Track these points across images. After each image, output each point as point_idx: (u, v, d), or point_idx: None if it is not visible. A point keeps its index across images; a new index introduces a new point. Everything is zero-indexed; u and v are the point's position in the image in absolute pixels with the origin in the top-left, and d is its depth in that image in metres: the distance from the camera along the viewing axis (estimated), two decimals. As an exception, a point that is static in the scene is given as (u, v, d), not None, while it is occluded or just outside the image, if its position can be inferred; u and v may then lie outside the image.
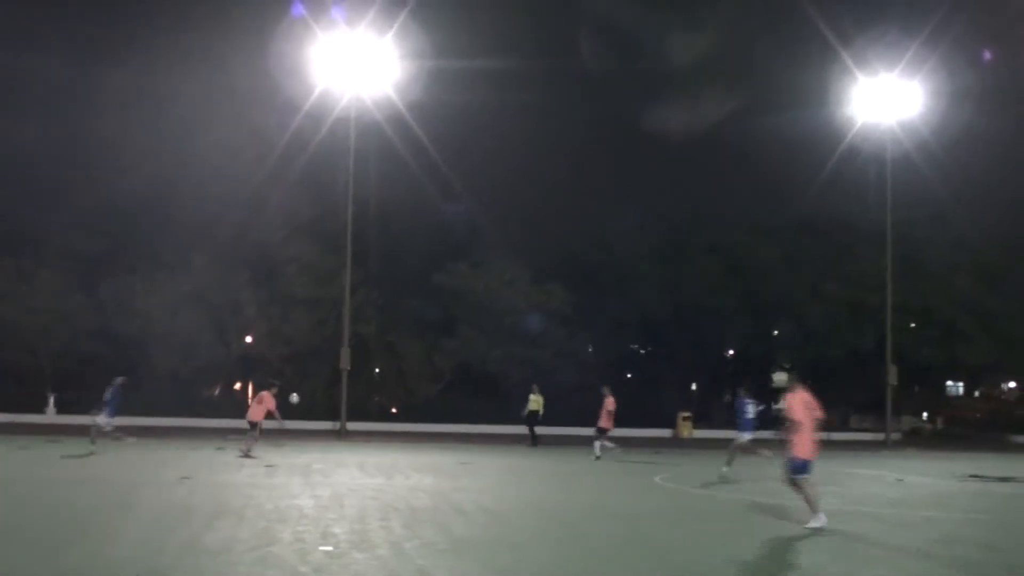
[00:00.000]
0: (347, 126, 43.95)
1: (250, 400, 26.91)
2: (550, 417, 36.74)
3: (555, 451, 32.06)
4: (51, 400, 50.79)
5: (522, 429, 36.47)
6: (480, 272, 57.59)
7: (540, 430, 35.64)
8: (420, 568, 8.74)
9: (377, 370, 59.51)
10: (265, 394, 25.91)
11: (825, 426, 13.29)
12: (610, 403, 27.87)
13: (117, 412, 25.44)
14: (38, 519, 11.74)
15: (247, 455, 24.14)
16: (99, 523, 11.40)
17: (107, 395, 25.31)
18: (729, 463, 22.08)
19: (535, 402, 35.06)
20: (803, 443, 12.69)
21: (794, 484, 12.80)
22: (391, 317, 57.75)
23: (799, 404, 12.86)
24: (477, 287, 57.00)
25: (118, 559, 8.77)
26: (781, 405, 13.35)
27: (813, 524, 12.46)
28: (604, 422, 27.86)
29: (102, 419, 24.83)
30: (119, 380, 25.86)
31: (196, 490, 15.51)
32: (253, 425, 25.36)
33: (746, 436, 23.17)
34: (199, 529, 10.87)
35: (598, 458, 26.96)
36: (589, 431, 29.61)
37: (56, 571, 8.13)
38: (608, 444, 27.68)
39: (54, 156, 56.35)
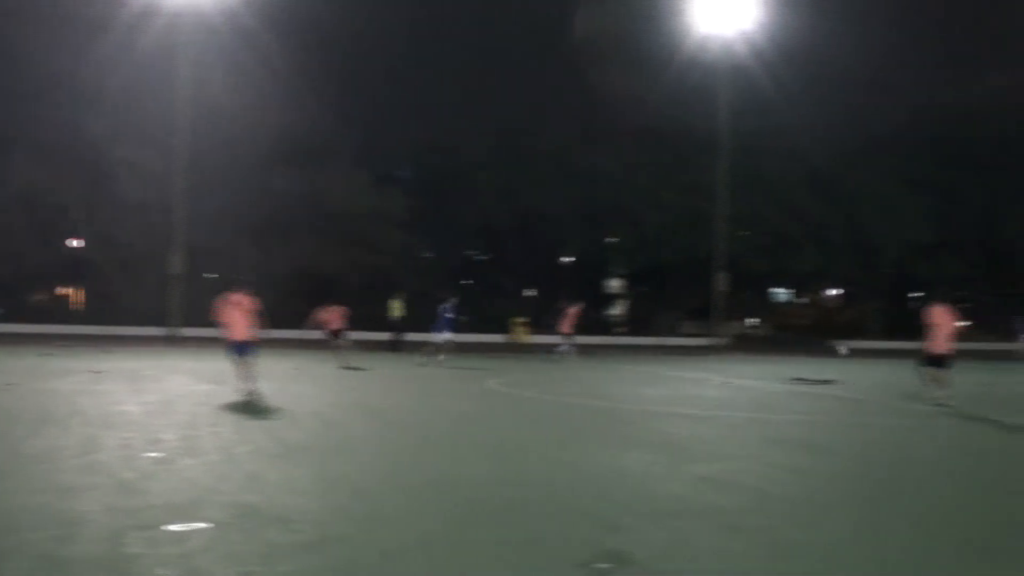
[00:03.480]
0: (184, 23, 42.48)
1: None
2: (385, 323, 37.51)
3: (393, 356, 32.20)
4: None
5: (357, 335, 37.05)
6: (317, 175, 56.78)
7: (373, 335, 36.76)
8: (250, 473, 8.69)
9: (210, 276, 58.44)
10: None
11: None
12: (571, 311, 32.62)
13: None
14: None
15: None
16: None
17: None
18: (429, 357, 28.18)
19: (395, 308, 35.99)
20: (233, 331, 16.30)
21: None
22: (226, 222, 56.59)
23: (228, 305, 16.45)
24: (314, 190, 56.25)
25: (-66, 468, 8.50)
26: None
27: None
28: (565, 327, 32.62)
29: None
30: None
31: (20, 397, 15.11)
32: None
33: (443, 336, 28.86)
34: (22, 436, 10.62)
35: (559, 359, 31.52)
36: (428, 336, 30.33)
37: None
38: (564, 348, 32.14)
39: None
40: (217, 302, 16.67)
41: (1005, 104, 63.03)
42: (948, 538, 7.06)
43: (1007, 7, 71.71)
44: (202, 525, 6.55)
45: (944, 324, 17.59)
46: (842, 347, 31.74)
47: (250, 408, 14.25)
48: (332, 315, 28.27)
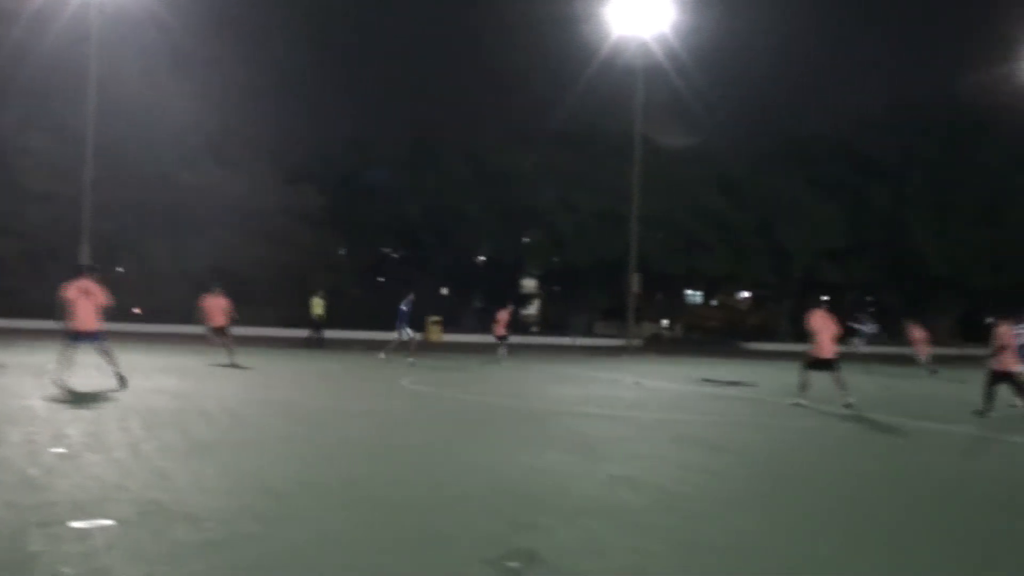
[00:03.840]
0: (94, 12, 41.73)
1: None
2: (303, 321, 37.87)
3: (305, 354, 31.96)
4: None
5: (271, 332, 37.39)
6: (230, 171, 56.11)
7: (286, 333, 36.90)
8: (158, 469, 8.55)
9: (120, 269, 57.42)
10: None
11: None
12: (502, 314, 33.57)
13: None
14: None
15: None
16: None
17: None
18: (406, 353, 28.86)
19: (316, 305, 36.33)
20: (77, 320, 15.80)
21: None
22: (137, 216, 55.65)
23: (74, 291, 15.83)
24: (227, 186, 55.58)
25: None
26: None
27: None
28: (500, 330, 33.32)
29: None
30: None
31: (-83, 392, 14.68)
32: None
33: (408, 332, 29.64)
34: (-81, 432, 10.30)
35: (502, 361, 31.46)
36: (350, 333, 30.56)
37: None
38: (504, 352, 32.71)
39: None
40: (63, 287, 15.96)
41: (912, 112, 64.60)
42: (853, 533, 7.19)
43: (918, 20, 73.53)
44: (107, 522, 6.44)
45: (825, 328, 18.04)
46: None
47: (156, 405, 14.01)
48: (214, 305, 25.56)
